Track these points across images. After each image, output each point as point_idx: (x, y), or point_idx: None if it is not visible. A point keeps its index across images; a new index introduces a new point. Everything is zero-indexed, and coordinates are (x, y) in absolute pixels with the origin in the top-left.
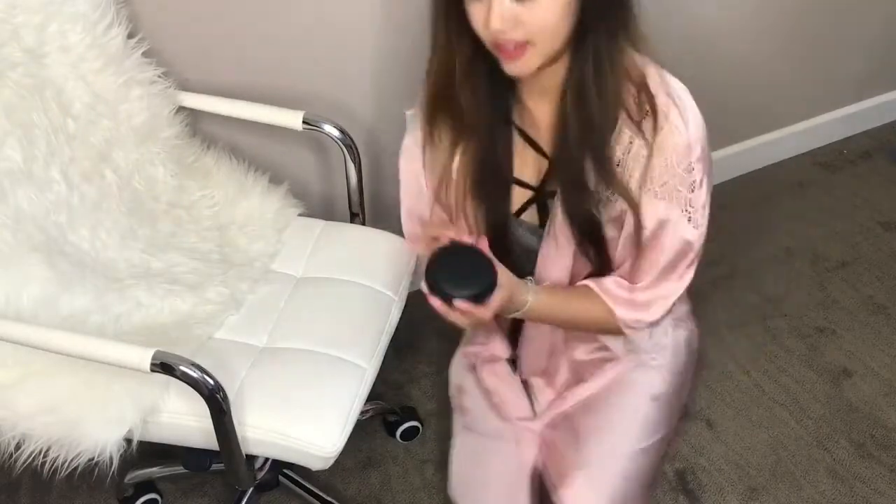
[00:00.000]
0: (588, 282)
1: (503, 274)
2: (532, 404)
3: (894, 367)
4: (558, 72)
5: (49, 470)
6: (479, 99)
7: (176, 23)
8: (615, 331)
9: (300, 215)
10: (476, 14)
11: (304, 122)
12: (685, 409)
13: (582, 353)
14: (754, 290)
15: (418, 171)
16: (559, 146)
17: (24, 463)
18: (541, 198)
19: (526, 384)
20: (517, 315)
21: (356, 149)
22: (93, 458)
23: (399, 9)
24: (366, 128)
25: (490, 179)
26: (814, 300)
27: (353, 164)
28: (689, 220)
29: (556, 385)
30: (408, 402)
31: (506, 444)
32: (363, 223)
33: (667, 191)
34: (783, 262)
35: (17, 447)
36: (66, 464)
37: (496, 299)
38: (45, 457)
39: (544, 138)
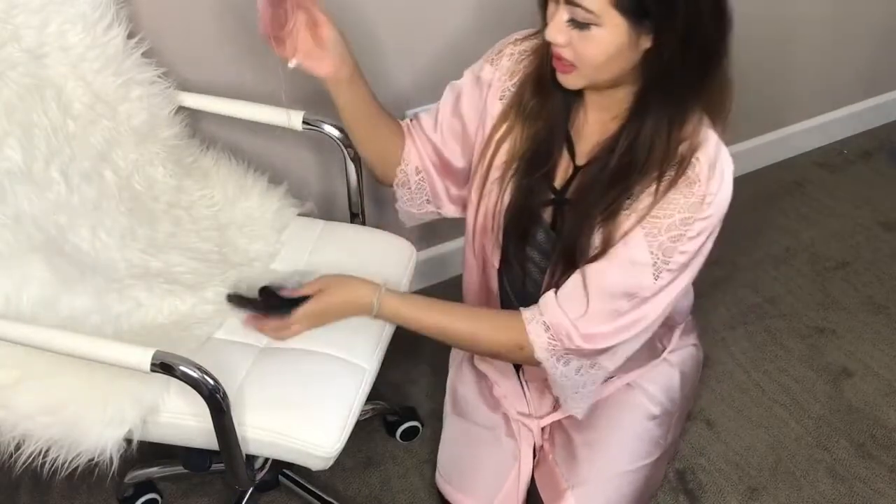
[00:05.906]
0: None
1: (331, 280)
2: (528, 404)
3: (894, 367)
4: (618, 95)
5: (49, 470)
6: (559, 93)
7: (176, 23)
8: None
9: (300, 215)
10: (548, 16)
11: (304, 122)
12: (683, 428)
13: None
14: (754, 290)
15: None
16: (594, 167)
17: (24, 463)
18: (559, 201)
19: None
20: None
21: (356, 149)
22: (93, 458)
23: (399, 9)
24: None
25: (537, 166)
26: (814, 300)
27: (353, 164)
28: (654, 272)
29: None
30: (408, 402)
31: (499, 434)
32: (363, 223)
33: (653, 225)
34: (783, 262)
35: (17, 447)
36: (66, 464)
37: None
38: (45, 457)
39: (582, 149)
